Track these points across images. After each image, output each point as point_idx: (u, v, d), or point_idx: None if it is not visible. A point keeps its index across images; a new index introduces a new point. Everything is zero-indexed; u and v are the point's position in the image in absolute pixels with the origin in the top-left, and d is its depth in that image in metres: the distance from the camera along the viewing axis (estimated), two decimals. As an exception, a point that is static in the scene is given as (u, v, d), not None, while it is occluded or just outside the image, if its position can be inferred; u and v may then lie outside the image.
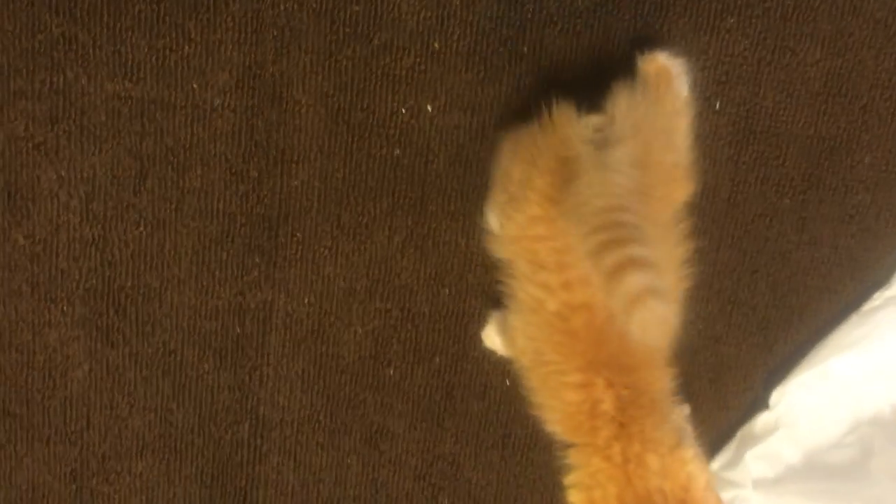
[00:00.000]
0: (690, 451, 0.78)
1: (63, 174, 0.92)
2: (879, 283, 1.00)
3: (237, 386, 1.01)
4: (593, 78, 0.94)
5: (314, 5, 0.90)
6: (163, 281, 0.97)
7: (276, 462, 1.03)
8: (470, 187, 0.96)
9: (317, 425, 1.03)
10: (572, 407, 0.79)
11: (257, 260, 0.97)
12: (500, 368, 1.02)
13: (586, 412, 0.78)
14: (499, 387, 1.03)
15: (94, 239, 0.94)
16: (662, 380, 0.80)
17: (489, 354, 1.02)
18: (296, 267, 0.97)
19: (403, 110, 0.94)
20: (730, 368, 1.03)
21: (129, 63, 0.90)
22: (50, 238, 0.94)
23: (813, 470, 0.99)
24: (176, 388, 1.00)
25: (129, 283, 0.96)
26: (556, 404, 0.81)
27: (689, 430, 0.82)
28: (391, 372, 1.02)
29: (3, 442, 1.00)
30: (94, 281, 0.96)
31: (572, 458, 0.80)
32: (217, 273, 0.97)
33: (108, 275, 0.96)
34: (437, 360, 1.02)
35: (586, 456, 0.79)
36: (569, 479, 0.80)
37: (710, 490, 0.77)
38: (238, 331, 0.99)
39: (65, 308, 0.96)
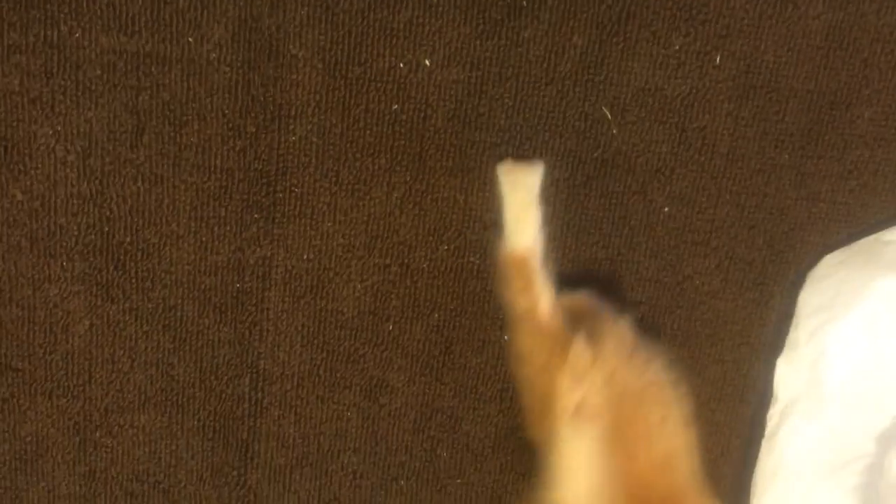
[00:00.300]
0: None
1: (59, 129, 0.92)
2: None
3: (237, 341, 1.01)
4: (594, 32, 0.93)
5: (310, -43, 0.89)
6: (161, 237, 0.97)
7: (277, 415, 1.04)
8: (468, 143, 0.96)
9: (317, 379, 1.04)
10: None
11: (256, 216, 0.97)
12: (499, 323, 1.03)
13: None
14: (497, 341, 1.04)
15: (91, 194, 0.94)
16: None
17: (488, 310, 1.02)
18: (294, 223, 0.98)
19: (401, 65, 0.93)
20: (726, 323, 1.04)
21: (124, 17, 0.89)
22: (48, 194, 0.94)
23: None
24: (176, 342, 1.01)
25: (127, 239, 0.96)
26: None
27: None
28: (390, 327, 1.03)
29: (6, 396, 1.01)
30: (93, 236, 0.96)
31: None
32: (216, 229, 0.97)
33: (106, 230, 0.96)
34: (436, 315, 1.02)
35: None
36: None
37: None
38: (237, 286, 0.99)
39: (64, 263, 0.96)
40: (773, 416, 1.02)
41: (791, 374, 1.00)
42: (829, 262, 1.00)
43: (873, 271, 0.96)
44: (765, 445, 1.02)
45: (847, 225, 1.00)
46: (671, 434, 0.91)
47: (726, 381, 1.06)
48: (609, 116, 0.95)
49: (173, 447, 1.05)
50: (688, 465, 0.91)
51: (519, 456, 1.08)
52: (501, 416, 1.07)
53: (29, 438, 1.03)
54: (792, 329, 1.01)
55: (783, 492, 0.99)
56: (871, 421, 0.97)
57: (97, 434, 1.03)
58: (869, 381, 0.97)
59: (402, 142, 0.95)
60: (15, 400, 1.01)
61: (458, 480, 1.09)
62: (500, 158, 0.96)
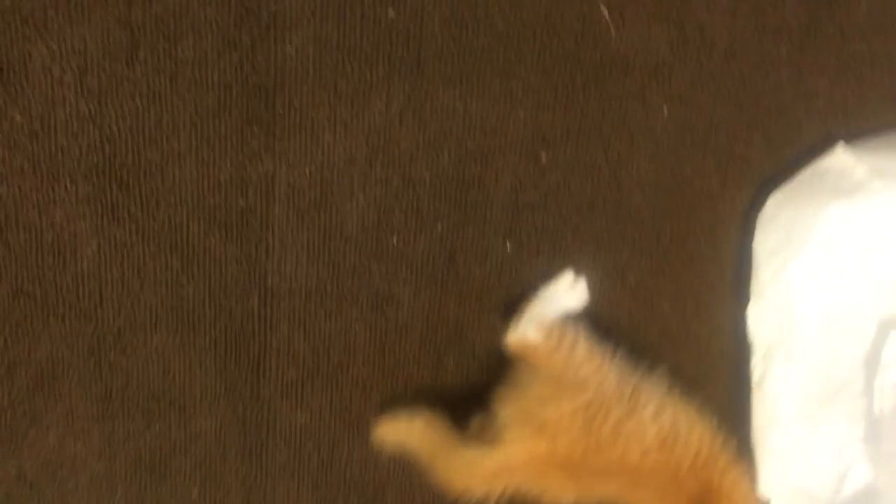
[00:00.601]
0: None
1: (54, 48, 0.91)
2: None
3: (244, 258, 1.02)
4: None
5: None
6: (163, 155, 0.97)
7: (286, 331, 1.06)
8: (466, 50, 0.95)
9: (324, 294, 1.05)
10: None
11: (256, 130, 0.97)
12: (502, 233, 1.04)
13: None
14: (500, 251, 1.05)
15: (90, 114, 0.94)
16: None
17: (490, 219, 1.03)
18: (295, 137, 0.98)
19: (396, -29, 0.92)
20: (724, 223, 1.05)
21: (112, -70, 0.88)
22: (46, 115, 0.93)
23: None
24: (184, 262, 1.02)
25: (129, 159, 0.97)
26: None
27: None
28: (394, 240, 1.04)
29: (19, 320, 1.02)
30: (95, 157, 0.96)
31: None
32: (217, 145, 0.97)
33: (108, 151, 0.96)
34: (439, 226, 1.03)
35: None
36: None
37: None
38: (242, 203, 1.00)
39: (68, 186, 0.97)
40: (756, 364, 1.03)
41: (763, 320, 1.01)
42: (775, 202, 1.00)
43: (819, 201, 0.96)
44: (755, 395, 1.03)
45: (845, 120, 1.01)
46: (662, 420, 0.96)
47: (724, 283, 1.08)
48: (607, 16, 0.95)
49: (186, 365, 1.07)
50: (689, 439, 0.96)
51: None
52: (505, 325, 1.09)
53: (44, 361, 1.05)
54: (753, 276, 1.01)
55: (783, 436, 1.00)
56: (852, 347, 0.98)
57: (111, 355, 1.05)
58: (840, 309, 0.97)
59: (400, 50, 0.95)
60: (28, 323, 1.02)
61: (466, 388, 1.11)
62: (497, 63, 0.95)
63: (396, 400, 1.11)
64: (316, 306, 1.06)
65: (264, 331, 1.06)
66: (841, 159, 0.96)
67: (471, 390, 1.11)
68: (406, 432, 1.03)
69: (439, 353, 1.10)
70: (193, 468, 1.12)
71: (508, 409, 0.98)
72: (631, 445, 0.94)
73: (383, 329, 1.08)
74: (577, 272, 1.04)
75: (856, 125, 1.01)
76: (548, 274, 1.05)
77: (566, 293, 1.02)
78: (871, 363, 0.97)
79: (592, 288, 1.06)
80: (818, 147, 1.00)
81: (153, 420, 1.09)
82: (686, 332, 1.09)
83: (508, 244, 1.04)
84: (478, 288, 1.07)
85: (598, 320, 1.08)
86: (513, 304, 1.07)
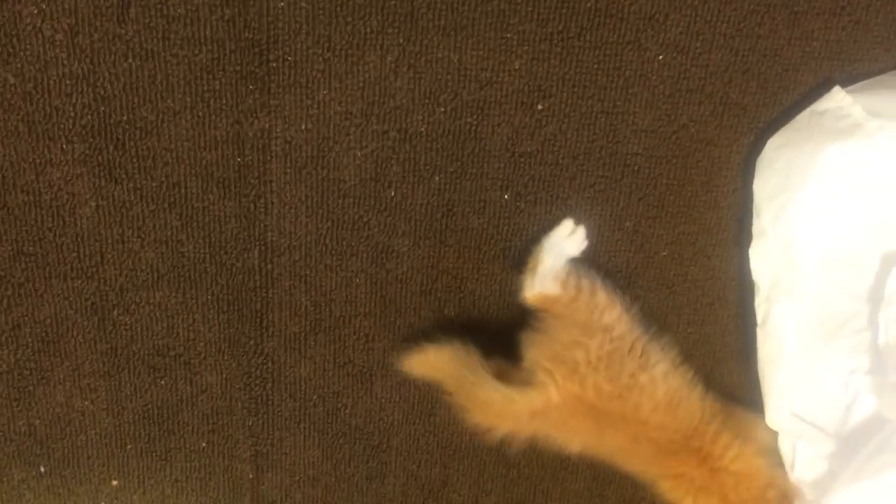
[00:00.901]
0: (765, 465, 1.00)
1: (44, 7, 0.90)
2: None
3: (243, 214, 1.03)
4: None
5: None
6: (158, 114, 0.97)
7: (288, 285, 1.07)
8: (460, 0, 0.94)
9: (324, 248, 1.06)
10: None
11: (251, 87, 0.96)
12: (499, 184, 1.04)
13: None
14: (497, 201, 1.06)
15: (83, 74, 0.93)
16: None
17: (487, 170, 1.04)
18: (290, 92, 0.97)
19: (387, -80, 0.90)
20: (720, 170, 1.06)
21: None
22: (39, 75, 0.93)
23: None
24: (183, 219, 1.02)
25: (124, 118, 0.96)
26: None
27: (769, 444, 1.03)
28: (392, 193, 1.04)
29: (22, 281, 1.03)
30: (90, 117, 0.96)
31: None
32: (212, 102, 0.97)
33: (102, 110, 0.95)
34: (437, 178, 1.04)
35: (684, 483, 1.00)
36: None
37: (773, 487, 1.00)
38: (239, 160, 1.00)
39: (64, 146, 0.96)
40: (760, 304, 1.04)
41: (765, 260, 1.02)
42: (773, 146, 1.00)
43: (817, 143, 0.96)
44: (760, 333, 1.05)
45: (840, 63, 1.00)
46: (670, 382, 0.99)
47: (721, 228, 1.09)
48: (602, -38, 0.94)
49: (190, 321, 1.09)
50: (691, 405, 1.01)
51: (522, 312, 1.12)
52: (504, 274, 1.10)
53: (48, 321, 1.06)
54: (755, 218, 1.02)
55: (788, 371, 1.02)
56: (855, 282, 0.99)
57: (115, 313, 1.06)
58: (842, 246, 0.99)
59: (393, 1, 0.94)
60: (31, 284, 1.03)
61: (466, 338, 1.13)
62: (492, 14, 0.94)
63: (399, 352, 1.13)
64: (316, 260, 1.07)
65: (266, 286, 1.07)
66: (837, 100, 0.97)
67: (472, 339, 1.13)
68: (434, 363, 1.03)
69: (440, 303, 1.11)
70: (201, 421, 1.15)
71: (538, 352, 0.99)
72: (644, 398, 0.97)
73: (384, 281, 1.09)
74: (576, 220, 1.05)
75: (851, 68, 1.00)
76: (546, 222, 1.06)
77: (566, 240, 1.03)
78: (875, 297, 0.99)
79: (590, 235, 1.07)
80: (814, 93, 1.00)
81: (159, 375, 1.11)
82: (684, 277, 1.11)
83: (506, 194, 1.05)
84: (476, 238, 1.08)
85: (596, 267, 1.09)
86: (511, 254, 1.09)
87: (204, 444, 1.16)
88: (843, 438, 1.00)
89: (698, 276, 1.11)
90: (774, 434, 1.04)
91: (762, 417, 1.05)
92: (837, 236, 0.98)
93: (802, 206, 0.97)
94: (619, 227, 1.08)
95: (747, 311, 1.08)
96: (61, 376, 1.09)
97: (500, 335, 1.11)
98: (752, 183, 1.04)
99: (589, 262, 1.08)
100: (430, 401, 1.16)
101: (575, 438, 1.01)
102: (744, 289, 1.10)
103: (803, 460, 1.02)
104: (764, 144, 1.02)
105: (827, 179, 0.96)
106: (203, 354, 1.10)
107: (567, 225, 1.04)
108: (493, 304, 1.12)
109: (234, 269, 1.06)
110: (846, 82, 0.99)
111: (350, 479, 1.20)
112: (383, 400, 1.16)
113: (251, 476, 1.18)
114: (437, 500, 1.22)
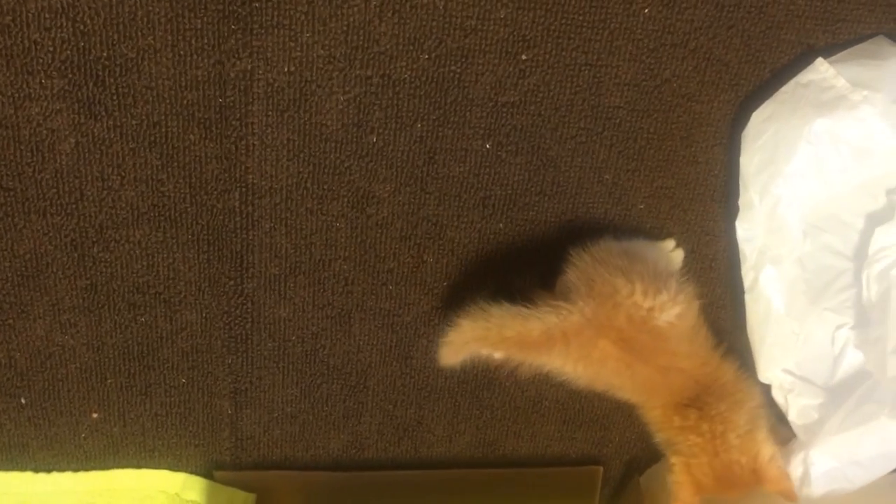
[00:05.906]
0: (762, 432, 1.00)
1: (21, -63, 0.88)
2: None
3: (224, 156, 1.03)
4: None
5: None
6: (139, 51, 0.95)
7: (268, 227, 1.08)
8: (447, -56, 0.93)
9: (305, 192, 1.06)
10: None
11: (233, 27, 0.95)
12: (481, 133, 1.05)
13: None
14: (479, 150, 1.06)
15: (63, 8, 0.92)
16: (727, 373, 1.02)
17: (469, 119, 1.04)
18: (273, 34, 0.96)
19: None
20: (700, 126, 1.06)
21: None
22: (18, 8, 0.91)
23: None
24: (164, 159, 1.02)
25: (104, 54, 0.95)
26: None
27: (763, 412, 1.03)
28: (374, 139, 1.04)
29: (1, 216, 1.03)
30: (69, 52, 0.94)
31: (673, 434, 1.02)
32: (193, 42, 0.96)
33: (82, 45, 0.94)
34: (419, 125, 1.04)
35: (684, 434, 1.00)
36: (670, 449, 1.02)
37: (774, 461, 1.00)
38: (220, 101, 0.99)
39: (43, 80, 0.95)
40: (747, 272, 1.06)
41: (752, 230, 1.04)
42: (758, 118, 1.01)
43: (802, 116, 0.98)
44: (748, 298, 1.07)
45: (823, 23, 1.01)
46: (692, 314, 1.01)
47: (699, 181, 1.10)
48: (591, -88, 0.92)
49: (170, 260, 1.09)
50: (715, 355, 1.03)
51: (501, 257, 1.13)
52: (484, 222, 1.11)
53: (28, 256, 1.06)
54: (742, 191, 1.04)
55: (777, 331, 1.05)
56: (839, 241, 1.02)
57: (94, 249, 1.07)
58: (827, 211, 1.01)
59: (379, -56, 0.92)
60: (10, 219, 1.03)
61: (445, 283, 1.15)
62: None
63: (377, 295, 1.14)
64: (297, 204, 1.07)
65: (246, 227, 1.08)
66: (821, 72, 0.98)
67: (450, 286, 1.15)
68: (467, 337, 0.99)
69: (419, 249, 1.12)
70: (180, 358, 1.16)
71: (576, 274, 1.00)
72: (673, 332, 0.98)
73: (364, 226, 1.10)
74: (555, 170, 1.06)
75: (834, 27, 1.01)
76: (527, 172, 1.07)
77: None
78: (860, 256, 1.01)
79: (569, 187, 1.09)
80: (798, 62, 1.01)
81: (139, 312, 1.12)
82: (660, 231, 1.13)
83: (487, 143, 1.05)
84: (457, 186, 1.08)
85: (575, 218, 1.11)
86: (491, 202, 1.09)
87: (184, 381, 1.18)
88: (831, 389, 1.04)
89: (674, 230, 1.13)
90: (766, 389, 1.07)
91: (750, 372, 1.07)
92: (823, 201, 1.00)
93: (789, 179, 1.00)
94: (598, 179, 1.09)
95: (727, 268, 1.12)
96: (41, 311, 1.10)
97: (479, 281, 1.13)
98: (730, 140, 1.06)
99: (566, 212, 1.10)
100: (406, 343, 1.18)
101: (602, 369, 0.99)
102: (718, 244, 1.13)
103: (795, 409, 1.06)
104: (746, 108, 1.03)
105: (812, 151, 0.98)
106: (183, 293, 1.12)
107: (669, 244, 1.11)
108: (472, 250, 1.13)
109: (214, 210, 1.06)
110: (828, 49, 1.00)
111: (327, 417, 1.22)
112: (361, 342, 1.18)
113: (230, 412, 1.20)
114: (411, 439, 1.25)
